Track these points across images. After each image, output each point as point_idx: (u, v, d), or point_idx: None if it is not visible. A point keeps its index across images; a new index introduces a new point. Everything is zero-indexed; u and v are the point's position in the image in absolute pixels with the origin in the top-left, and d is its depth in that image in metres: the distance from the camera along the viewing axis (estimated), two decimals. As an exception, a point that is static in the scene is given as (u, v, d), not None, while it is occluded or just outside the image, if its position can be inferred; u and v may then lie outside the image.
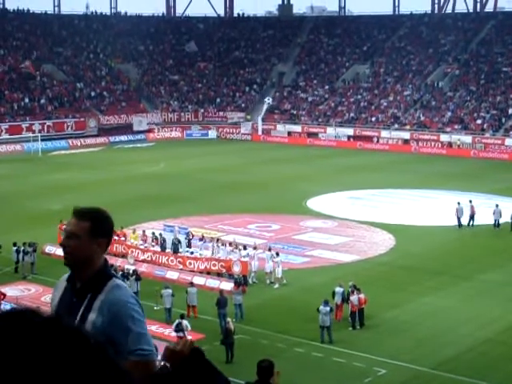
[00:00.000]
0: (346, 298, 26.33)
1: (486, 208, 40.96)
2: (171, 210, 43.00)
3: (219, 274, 31.49)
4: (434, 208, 44.23)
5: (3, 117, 75.68)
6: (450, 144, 71.43)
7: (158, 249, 34.03)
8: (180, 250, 33.86)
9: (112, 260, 32.67)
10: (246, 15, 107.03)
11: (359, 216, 42.43)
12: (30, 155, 69.02)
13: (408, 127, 75.53)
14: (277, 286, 30.49)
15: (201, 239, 34.51)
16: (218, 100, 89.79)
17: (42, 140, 71.59)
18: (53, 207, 44.08)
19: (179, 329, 23.86)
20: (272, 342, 24.28)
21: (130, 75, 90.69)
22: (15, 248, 32.55)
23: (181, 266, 32.35)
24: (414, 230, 39.57)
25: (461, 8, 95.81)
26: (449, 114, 75.91)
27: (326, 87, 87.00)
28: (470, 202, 40.42)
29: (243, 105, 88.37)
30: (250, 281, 30.82)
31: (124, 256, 33.72)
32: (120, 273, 29.69)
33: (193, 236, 35.19)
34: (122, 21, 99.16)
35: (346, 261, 34.09)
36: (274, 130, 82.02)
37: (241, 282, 28.93)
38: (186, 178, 55.06)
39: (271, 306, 28.33)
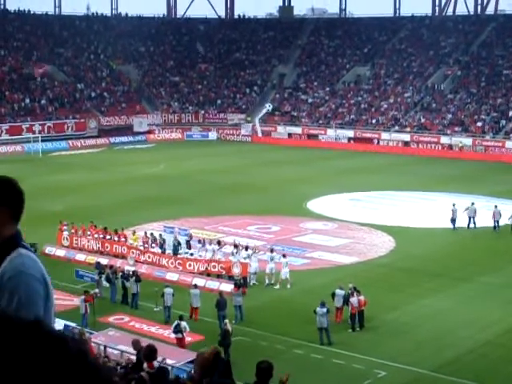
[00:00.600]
0: (346, 300, 26.30)
1: (486, 210, 40.91)
2: (171, 211, 42.98)
3: (219, 276, 31.47)
4: (433, 210, 44.21)
5: (4, 117, 75.70)
6: (450, 146, 71.43)
7: (157, 250, 34.00)
8: (180, 251, 33.84)
9: (112, 261, 32.74)
10: (246, 17, 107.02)
11: (359, 218, 42.41)
12: (31, 156, 69.04)
13: (408, 129, 75.55)
14: (277, 286, 30.42)
15: (200, 241, 34.34)
16: (219, 101, 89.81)
17: (42, 141, 71.63)
18: (53, 208, 44.11)
19: (178, 330, 23.82)
20: (271, 343, 24.25)
21: (131, 76, 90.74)
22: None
23: (180, 268, 32.33)
24: (414, 232, 39.56)
25: (461, 10, 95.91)
26: (449, 116, 75.91)
27: (327, 89, 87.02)
28: (473, 204, 40.52)
29: (243, 106, 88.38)
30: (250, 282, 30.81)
31: (124, 257, 33.73)
32: (120, 274, 29.75)
33: (191, 238, 35.16)
34: (122, 22, 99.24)
35: (345, 263, 34.08)
36: (274, 131, 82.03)
37: (241, 284, 28.90)
38: (186, 179, 55.06)
39: (271, 307, 28.31)
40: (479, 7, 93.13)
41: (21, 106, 78.62)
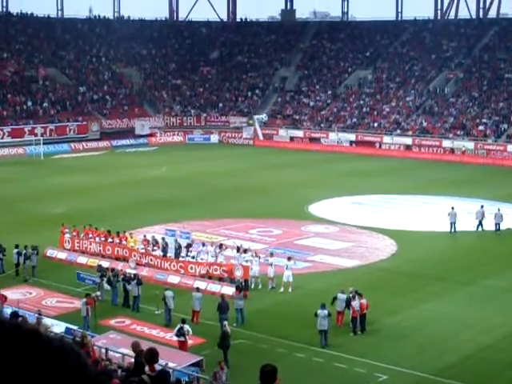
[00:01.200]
0: (347, 304, 26.25)
1: (488, 214, 40.87)
2: (173, 214, 42.97)
3: (221, 279, 31.44)
4: (435, 214, 44.15)
5: (6, 120, 75.74)
6: (452, 150, 71.40)
7: (159, 253, 33.95)
8: (182, 254, 33.80)
9: (113, 264, 32.71)
10: (248, 20, 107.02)
11: (361, 221, 42.38)
12: (33, 159, 69.09)
13: (410, 133, 75.52)
14: (281, 290, 30.35)
15: (202, 244, 34.36)
16: (221, 104, 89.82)
17: (44, 143, 71.64)
18: (55, 211, 44.12)
19: (181, 333, 23.78)
20: (272, 346, 24.21)
21: (133, 79, 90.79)
22: (16, 250, 32.47)
23: (182, 271, 32.29)
24: (416, 236, 39.54)
25: (464, 14, 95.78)
26: (451, 119, 75.89)
27: (329, 92, 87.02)
28: (482, 206, 40.82)
29: (245, 109, 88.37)
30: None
31: (125, 260, 33.70)
32: (121, 277, 29.72)
33: (193, 241, 35.11)
34: (124, 25, 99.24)
35: (347, 266, 34.04)
36: (276, 134, 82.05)
37: (242, 287, 28.87)
38: (187, 182, 55.06)
39: (272, 311, 28.28)
40: (481, 11, 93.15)
41: (23, 108, 78.69)
